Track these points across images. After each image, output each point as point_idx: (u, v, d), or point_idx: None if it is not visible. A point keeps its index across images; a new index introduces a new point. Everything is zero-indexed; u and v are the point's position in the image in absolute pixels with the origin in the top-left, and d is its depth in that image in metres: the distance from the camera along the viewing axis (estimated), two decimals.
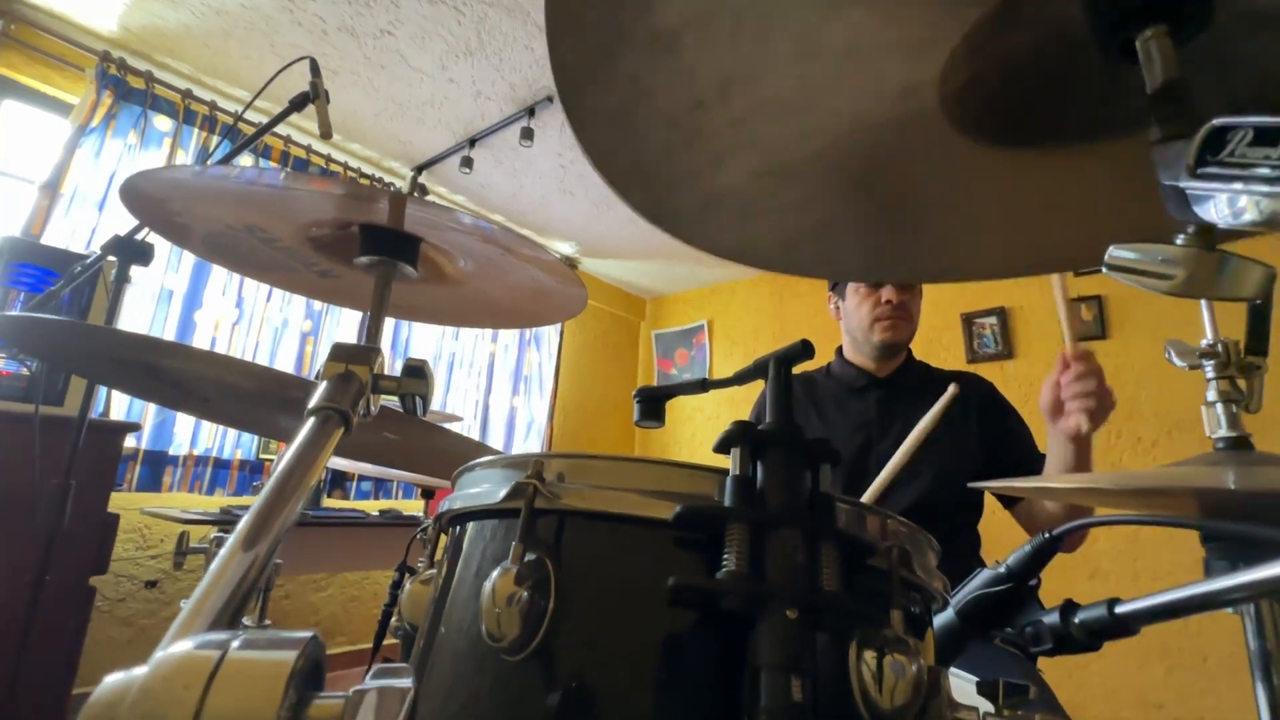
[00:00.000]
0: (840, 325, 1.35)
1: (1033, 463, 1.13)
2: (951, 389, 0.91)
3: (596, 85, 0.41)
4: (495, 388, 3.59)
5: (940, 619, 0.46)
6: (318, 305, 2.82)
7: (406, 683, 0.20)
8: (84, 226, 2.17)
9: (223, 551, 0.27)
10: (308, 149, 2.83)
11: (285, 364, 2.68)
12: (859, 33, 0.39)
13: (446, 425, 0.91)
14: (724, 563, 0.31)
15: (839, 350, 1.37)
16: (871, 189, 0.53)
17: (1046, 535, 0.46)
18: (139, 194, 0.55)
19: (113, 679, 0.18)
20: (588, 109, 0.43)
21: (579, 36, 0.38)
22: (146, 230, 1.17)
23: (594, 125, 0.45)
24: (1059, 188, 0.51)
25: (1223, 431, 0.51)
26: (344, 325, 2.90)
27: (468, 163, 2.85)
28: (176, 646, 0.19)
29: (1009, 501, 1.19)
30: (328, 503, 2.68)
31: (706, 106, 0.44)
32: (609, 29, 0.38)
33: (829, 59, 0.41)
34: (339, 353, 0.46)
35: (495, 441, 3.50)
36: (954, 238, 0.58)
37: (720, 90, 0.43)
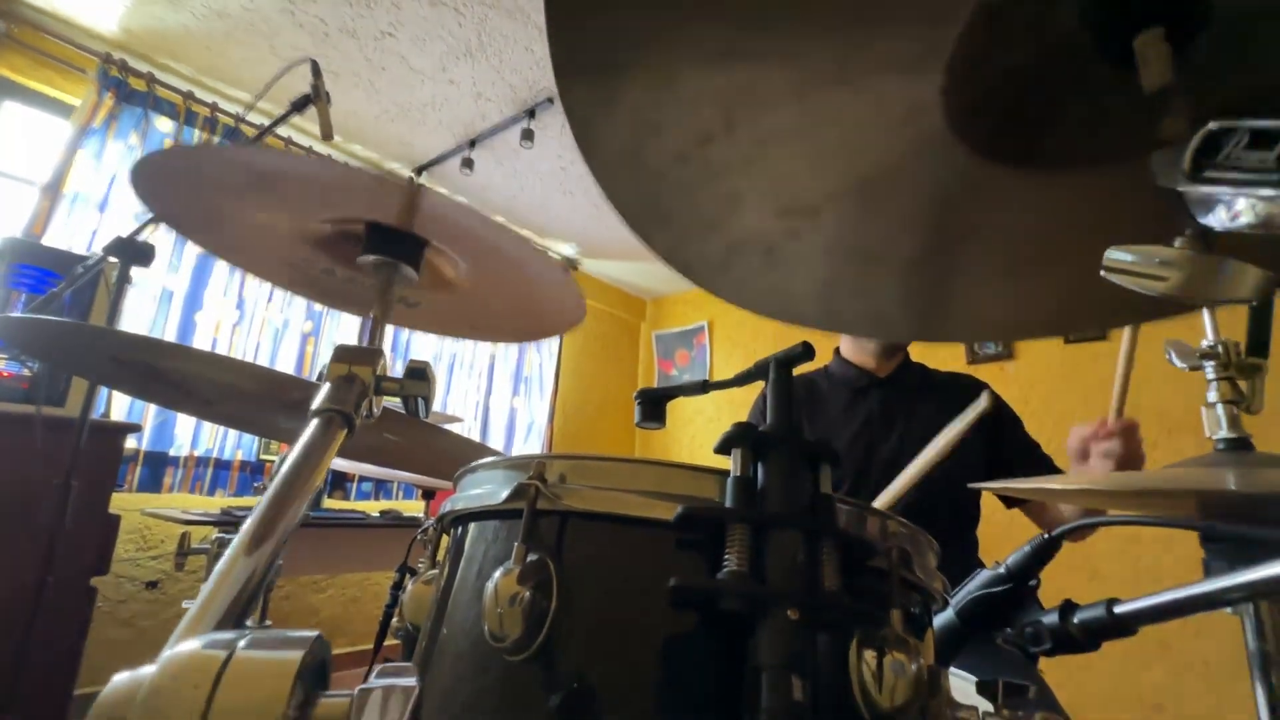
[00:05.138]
0: None
1: (1045, 466, 1.14)
2: (985, 400, 0.87)
3: (606, 122, 0.41)
4: (495, 389, 3.59)
5: (940, 619, 0.47)
6: (318, 306, 2.82)
7: (411, 681, 0.20)
8: (85, 228, 2.17)
9: (228, 552, 0.27)
10: (309, 151, 2.83)
11: (286, 365, 2.68)
12: (846, 53, 0.39)
13: (447, 426, 0.91)
14: (725, 563, 0.31)
15: (837, 351, 1.37)
16: (899, 228, 0.51)
17: (1046, 536, 0.46)
18: (149, 177, 0.55)
19: (121, 678, 0.19)
20: (601, 147, 0.43)
21: (583, 75, 0.38)
22: (146, 231, 1.17)
23: (609, 165, 0.44)
24: (1098, 216, 0.49)
25: (1223, 432, 0.51)
26: (345, 326, 2.91)
27: (468, 164, 2.85)
28: (184, 646, 0.19)
29: (1019, 501, 1.19)
30: (328, 504, 2.68)
31: (714, 140, 0.44)
32: (609, 67, 0.38)
33: (823, 82, 0.41)
34: (342, 354, 0.46)
35: (496, 443, 3.51)
36: (995, 284, 0.55)
37: (725, 123, 0.43)
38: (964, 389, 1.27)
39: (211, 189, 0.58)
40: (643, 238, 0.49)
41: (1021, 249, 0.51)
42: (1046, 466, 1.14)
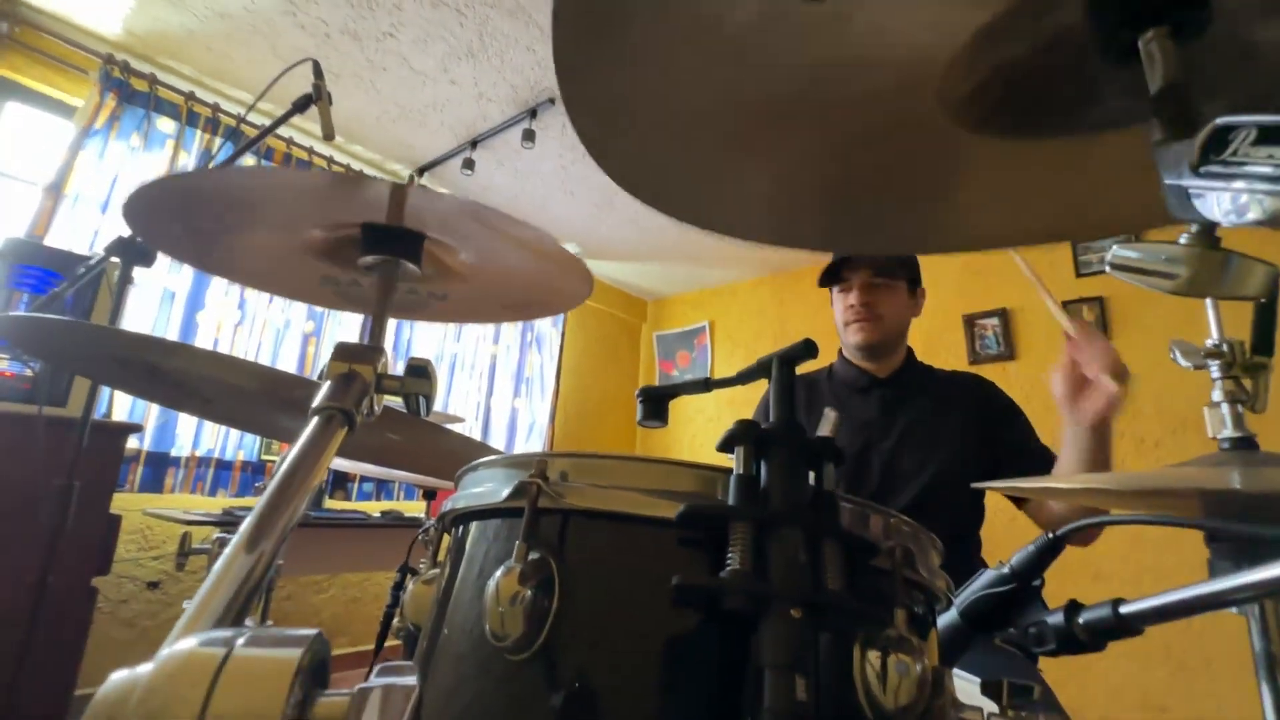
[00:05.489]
0: None
1: (1045, 461, 1.13)
2: (832, 415, 0.90)
3: (613, 133, 0.45)
4: (497, 389, 3.59)
5: (944, 619, 0.46)
6: (319, 307, 2.82)
7: (411, 681, 0.20)
8: (87, 228, 2.17)
9: (227, 550, 0.27)
10: (310, 151, 2.83)
11: (287, 365, 2.68)
12: (844, 62, 0.40)
13: (448, 426, 0.91)
14: (727, 562, 0.31)
15: (840, 351, 1.37)
16: (893, 180, 0.54)
17: (1050, 535, 0.46)
18: (142, 214, 0.56)
19: (119, 676, 0.18)
20: (610, 155, 0.47)
21: (590, 104, 0.42)
22: None
23: (618, 165, 0.48)
24: (1052, 172, 0.51)
25: (1228, 432, 0.50)
26: (346, 326, 2.91)
27: (469, 164, 2.85)
28: (182, 644, 0.19)
29: (1020, 500, 1.19)
30: (330, 504, 2.68)
31: (716, 140, 0.47)
32: (618, 98, 0.42)
33: (818, 78, 0.42)
34: (343, 352, 0.46)
35: (497, 443, 3.51)
36: (956, 213, 0.60)
37: (728, 129, 0.46)
38: (966, 387, 1.27)
39: (200, 216, 0.58)
40: (662, 210, 0.53)
41: (1011, 181, 0.54)
42: (1041, 458, 1.14)
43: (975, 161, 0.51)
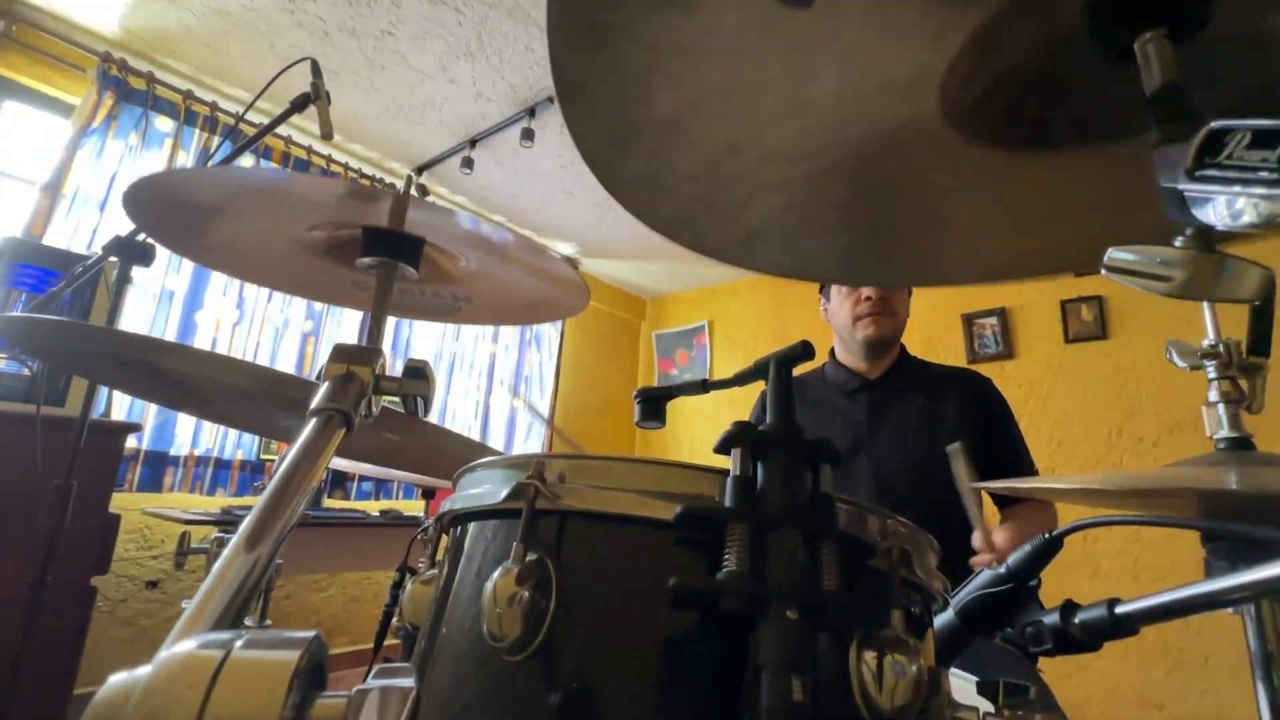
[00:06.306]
0: (832, 327, 1.35)
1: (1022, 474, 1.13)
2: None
3: (623, 161, 0.46)
4: (496, 388, 3.59)
5: (941, 619, 0.46)
6: (318, 305, 2.82)
7: (408, 683, 0.20)
8: (85, 227, 2.17)
9: (226, 552, 0.27)
10: (308, 150, 2.83)
11: (286, 364, 2.68)
12: (842, 84, 0.41)
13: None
14: (725, 563, 0.31)
15: (831, 353, 1.37)
16: (897, 202, 0.54)
17: (1047, 536, 0.46)
18: (141, 203, 0.55)
19: (117, 679, 0.18)
20: (621, 178, 0.48)
21: (598, 130, 0.43)
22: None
23: (630, 188, 0.49)
24: (1062, 189, 0.51)
25: (1224, 432, 0.51)
26: (345, 325, 2.91)
27: (468, 163, 2.85)
28: (180, 646, 0.19)
29: (1002, 503, 1.19)
30: (328, 503, 2.68)
31: (722, 163, 0.48)
32: (621, 121, 0.43)
33: (822, 110, 0.43)
34: (340, 354, 0.46)
35: (496, 442, 3.50)
36: (966, 239, 0.60)
37: (730, 149, 0.47)
38: (963, 383, 1.26)
39: (201, 210, 0.58)
40: (670, 238, 0.53)
41: (982, 213, 0.55)
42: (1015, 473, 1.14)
43: (985, 182, 0.50)
